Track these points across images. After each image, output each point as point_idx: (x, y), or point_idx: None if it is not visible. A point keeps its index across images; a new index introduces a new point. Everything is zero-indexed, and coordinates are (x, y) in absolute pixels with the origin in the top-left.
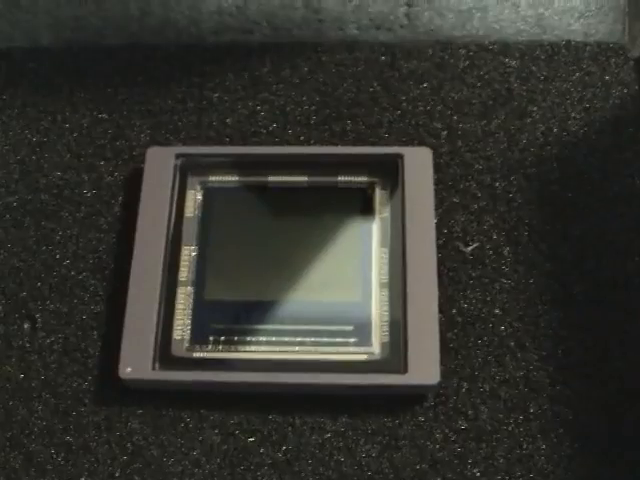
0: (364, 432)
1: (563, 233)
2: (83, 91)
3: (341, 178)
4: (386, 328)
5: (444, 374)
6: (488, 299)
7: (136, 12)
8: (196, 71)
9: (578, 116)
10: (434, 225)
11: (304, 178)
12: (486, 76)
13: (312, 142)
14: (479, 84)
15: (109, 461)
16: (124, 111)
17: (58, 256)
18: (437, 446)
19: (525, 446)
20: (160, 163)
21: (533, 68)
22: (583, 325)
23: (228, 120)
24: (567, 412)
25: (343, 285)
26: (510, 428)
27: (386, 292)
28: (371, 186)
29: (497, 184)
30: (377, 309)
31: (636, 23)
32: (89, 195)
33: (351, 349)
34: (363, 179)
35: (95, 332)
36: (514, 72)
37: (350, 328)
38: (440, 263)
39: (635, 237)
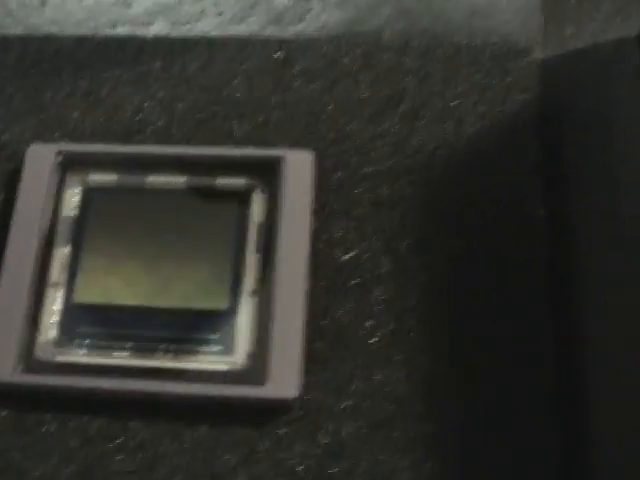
0: (224, 443)
1: (444, 245)
2: None
3: (220, 180)
4: (252, 338)
5: (310, 386)
6: (363, 310)
7: (35, 2)
8: (87, 64)
9: (472, 120)
10: (308, 231)
11: (182, 179)
12: (382, 76)
13: (196, 142)
14: (373, 84)
15: None
16: (10, 105)
17: None
18: (296, 460)
19: (388, 463)
20: (41, 160)
21: (431, 69)
22: (456, 342)
23: (114, 117)
24: (433, 429)
25: (212, 292)
26: (373, 444)
27: (255, 300)
28: (250, 189)
29: (382, 190)
30: (245, 318)
31: (549, 23)
32: None
33: (214, 358)
34: (242, 181)
35: None
36: (411, 73)
37: (215, 337)
38: (316, 271)
39: (517, 253)
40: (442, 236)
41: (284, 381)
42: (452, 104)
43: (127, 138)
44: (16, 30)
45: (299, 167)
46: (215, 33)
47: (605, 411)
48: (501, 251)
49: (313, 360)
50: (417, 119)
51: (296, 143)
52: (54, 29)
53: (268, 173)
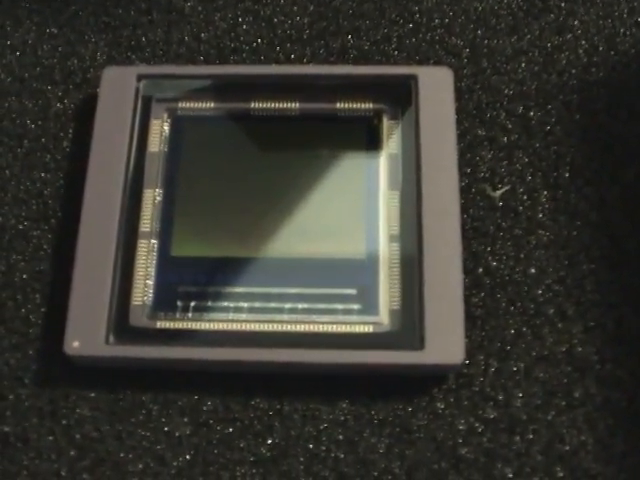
0: (369, 422)
1: (613, 175)
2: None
3: (340, 105)
4: (397, 292)
5: (468, 349)
6: (522, 256)
7: None
8: None
9: (629, 32)
10: (456, 163)
11: (295, 105)
12: None
13: (305, 61)
14: None
15: (54, 456)
16: (77, 25)
17: None
18: (460, 440)
19: (568, 440)
20: (119, 87)
21: None
22: (638, 288)
23: (203, 35)
24: (620, 397)
25: (343, 238)
26: (550, 417)
27: (397, 247)
28: (378, 115)
29: (531, 113)
30: (386, 268)
31: None
32: (33, 126)
33: (353, 318)
34: (368, 106)
35: (38, 295)
36: None
37: (352, 292)
38: (463, 211)
39: None
40: (610, 164)
41: (446, 344)
42: (602, 13)
43: (220, 59)
44: None
45: (437, 87)
46: None
47: None
48: None
49: (469, 317)
50: (564, 31)
51: (425, 61)
52: None
53: (399, 95)
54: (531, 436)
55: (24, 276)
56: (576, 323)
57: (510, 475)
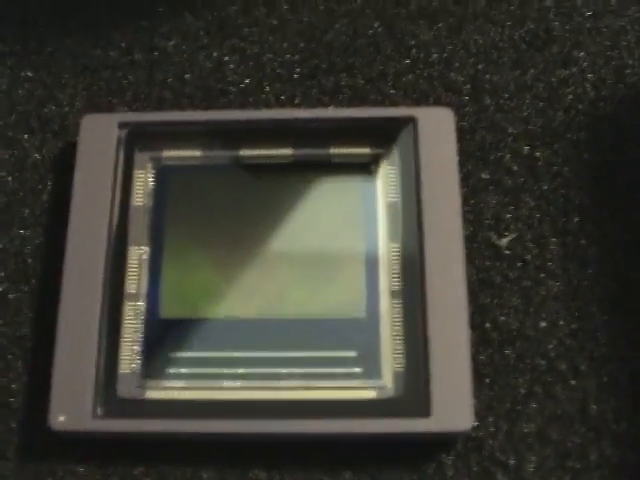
0: None
1: (625, 219)
2: None
3: (335, 150)
4: (400, 353)
5: (477, 410)
6: (531, 309)
7: None
8: (145, 12)
9: (638, 62)
10: (460, 210)
11: (288, 151)
12: (517, 12)
13: (297, 103)
14: (509, 23)
15: None
16: (53, 67)
17: None
18: None
19: None
20: (99, 135)
21: (576, 1)
22: None
23: (187, 76)
24: (637, 458)
25: (341, 295)
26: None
27: (399, 303)
28: (375, 160)
29: (537, 154)
30: (387, 327)
31: None
32: (10, 179)
33: (355, 383)
34: (365, 151)
35: (19, 363)
36: (552, 7)
37: (352, 354)
38: (468, 262)
39: None
40: (622, 207)
41: (454, 409)
42: (608, 43)
43: (206, 103)
44: None
45: (437, 129)
46: None
47: None
48: None
49: (477, 375)
50: (569, 64)
51: (424, 99)
52: None
53: (397, 139)
54: None
55: (3, 341)
56: (590, 379)
57: None
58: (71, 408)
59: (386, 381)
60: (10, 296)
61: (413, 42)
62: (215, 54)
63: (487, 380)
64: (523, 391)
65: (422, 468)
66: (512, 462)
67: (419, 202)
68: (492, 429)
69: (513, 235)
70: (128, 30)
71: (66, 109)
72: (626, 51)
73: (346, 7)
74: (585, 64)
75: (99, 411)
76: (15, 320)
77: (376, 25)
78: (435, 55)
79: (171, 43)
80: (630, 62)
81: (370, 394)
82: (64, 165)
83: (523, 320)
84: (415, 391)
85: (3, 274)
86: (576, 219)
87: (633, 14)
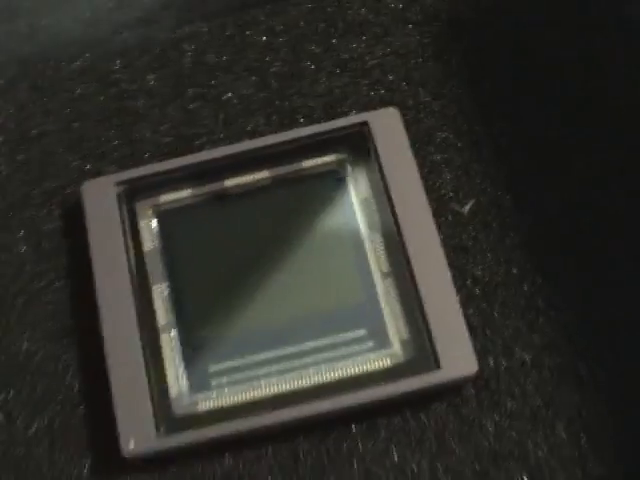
0: (408, 444)
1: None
2: None
3: (307, 164)
4: (403, 322)
5: (477, 355)
6: (501, 259)
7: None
8: (111, 80)
9: None
10: (423, 191)
11: (265, 174)
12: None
13: (260, 130)
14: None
15: None
16: (40, 145)
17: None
18: (491, 438)
19: (584, 414)
20: (100, 197)
21: None
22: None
23: (162, 128)
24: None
25: (341, 287)
26: (562, 397)
27: (391, 282)
28: (342, 165)
29: (476, 127)
30: (387, 304)
31: None
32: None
33: (370, 356)
34: (331, 159)
35: (81, 408)
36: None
37: (363, 332)
38: (439, 232)
39: None
40: (558, 160)
41: (459, 358)
42: None
43: (186, 147)
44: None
45: (388, 127)
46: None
47: None
48: None
49: (471, 326)
50: None
51: (370, 104)
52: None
53: (356, 142)
54: (552, 418)
55: (59, 397)
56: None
57: (540, 455)
58: (137, 434)
59: (396, 349)
60: (53, 355)
61: (347, 56)
62: (181, 103)
63: (479, 328)
64: (511, 331)
65: (442, 415)
66: (516, 390)
67: (387, 192)
68: (493, 367)
69: (472, 201)
70: (99, 99)
71: (63, 181)
72: None
73: (283, 38)
74: None
75: (162, 430)
76: (63, 375)
77: (313, 47)
78: (369, 63)
79: (139, 103)
80: None
81: (386, 362)
82: (72, 227)
83: (497, 271)
84: (423, 351)
85: (41, 338)
86: (524, 175)
87: None
